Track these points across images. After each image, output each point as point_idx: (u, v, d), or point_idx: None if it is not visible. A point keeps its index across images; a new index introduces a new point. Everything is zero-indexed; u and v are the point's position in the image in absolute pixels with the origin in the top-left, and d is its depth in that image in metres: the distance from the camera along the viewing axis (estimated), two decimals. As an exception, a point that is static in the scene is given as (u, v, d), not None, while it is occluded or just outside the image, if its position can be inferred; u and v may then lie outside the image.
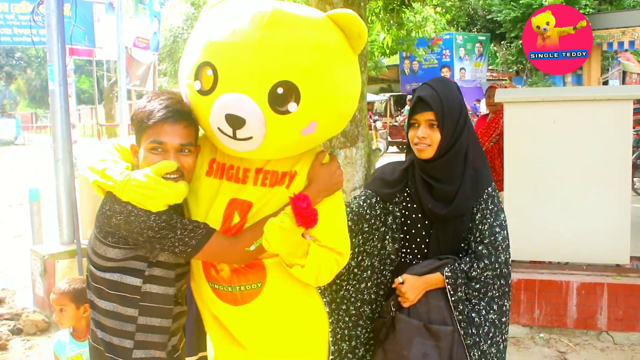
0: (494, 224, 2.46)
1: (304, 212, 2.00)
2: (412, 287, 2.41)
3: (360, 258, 2.60)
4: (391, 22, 13.77)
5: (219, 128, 2.00)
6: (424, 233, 2.51)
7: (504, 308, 2.50)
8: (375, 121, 22.77)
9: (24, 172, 18.75)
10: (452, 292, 2.40)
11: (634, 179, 11.61)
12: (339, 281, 2.63)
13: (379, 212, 2.58)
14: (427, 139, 2.42)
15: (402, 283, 2.43)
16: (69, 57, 15.11)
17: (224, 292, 2.20)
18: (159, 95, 2.15)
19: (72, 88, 15.70)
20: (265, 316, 2.22)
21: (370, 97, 24.92)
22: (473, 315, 2.43)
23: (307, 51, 1.97)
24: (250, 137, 1.99)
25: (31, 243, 6.27)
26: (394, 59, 26.04)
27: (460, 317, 2.40)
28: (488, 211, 2.47)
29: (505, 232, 2.49)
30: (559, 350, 4.85)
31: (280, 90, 1.94)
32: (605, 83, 24.11)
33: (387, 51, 19.26)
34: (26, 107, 55.52)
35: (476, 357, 2.40)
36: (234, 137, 1.99)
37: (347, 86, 2.11)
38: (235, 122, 1.95)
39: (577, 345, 4.93)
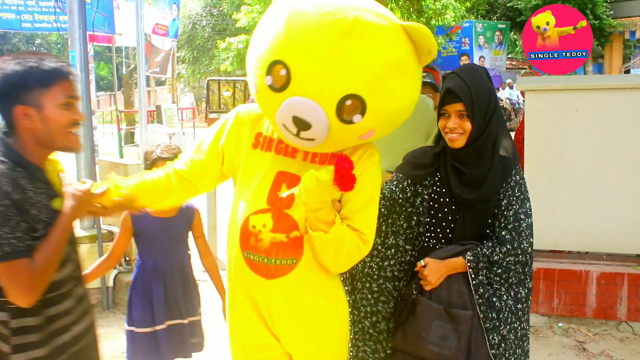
0: (520, 210, 2.48)
1: (345, 173, 2.03)
2: (434, 270, 2.45)
3: (385, 236, 2.65)
4: (411, 9, 13.75)
5: (284, 125, 2.12)
6: (450, 218, 2.54)
7: (520, 295, 2.52)
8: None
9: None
10: (473, 276, 2.43)
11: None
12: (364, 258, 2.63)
13: (409, 195, 2.63)
14: (458, 128, 2.45)
15: (425, 266, 2.46)
16: (90, 43, 15.20)
17: (258, 263, 2.26)
18: (18, 57, 2.14)
19: (91, 74, 15.80)
20: (294, 293, 2.29)
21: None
22: (494, 299, 2.45)
23: (380, 66, 2.03)
24: (313, 139, 2.12)
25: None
26: (413, 47, 25.94)
27: (481, 300, 2.43)
28: (514, 198, 2.49)
29: (529, 220, 2.50)
30: (578, 340, 4.84)
31: (348, 102, 2.04)
32: (627, 72, 23.87)
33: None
34: (46, 93, 55.84)
35: (496, 341, 2.43)
36: (297, 135, 2.11)
37: (409, 97, 2.19)
38: (302, 124, 2.07)
39: (596, 335, 4.92)
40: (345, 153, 2.21)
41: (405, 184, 2.63)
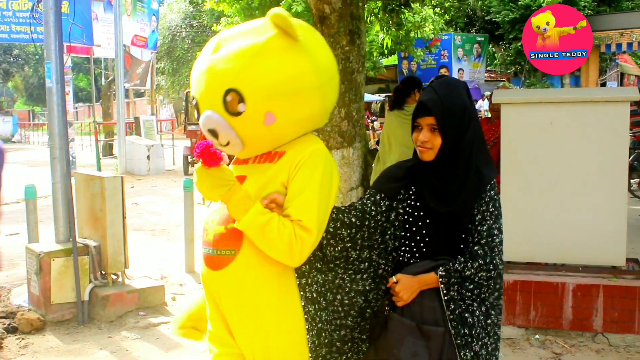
0: (493, 226, 2.47)
1: (204, 150, 2.30)
2: (406, 286, 2.43)
3: (361, 250, 2.62)
4: (390, 22, 13.78)
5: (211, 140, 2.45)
6: (424, 232, 2.53)
7: (491, 311, 2.50)
8: (372, 121, 22.73)
9: (20, 170, 18.72)
10: (445, 292, 2.41)
11: (631, 180, 11.63)
12: (336, 269, 2.62)
13: (384, 208, 2.61)
14: (428, 142, 2.46)
15: (396, 282, 2.45)
16: (67, 54, 15.10)
17: (207, 256, 2.50)
18: None
19: (69, 86, 15.70)
20: (236, 284, 2.45)
21: (368, 97, 24.90)
22: (466, 315, 2.43)
23: (238, 58, 2.40)
24: (228, 142, 2.45)
25: (27, 241, 6.25)
26: (392, 60, 26.04)
27: (452, 316, 2.41)
28: (488, 213, 2.47)
29: (502, 236, 2.50)
30: (554, 352, 4.85)
31: (229, 98, 2.38)
32: (603, 85, 24.11)
33: (386, 51, 19.27)
34: (23, 104, 55.39)
35: (468, 357, 2.41)
36: (221, 145, 2.46)
37: (284, 69, 2.41)
38: (212, 133, 2.44)
39: (572, 346, 4.93)
40: (283, 148, 2.50)
41: (379, 197, 2.61)
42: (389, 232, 2.60)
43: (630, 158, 11.36)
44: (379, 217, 2.60)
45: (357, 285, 2.61)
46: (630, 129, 12.41)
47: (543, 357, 4.78)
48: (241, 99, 2.36)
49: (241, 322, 2.48)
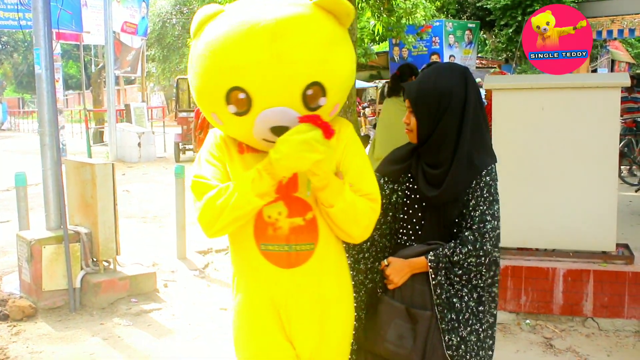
0: (486, 212, 2.46)
1: (319, 121, 2.14)
2: (396, 269, 2.46)
3: None
4: (381, 8, 13.76)
5: (264, 139, 2.23)
6: (419, 215, 2.55)
7: (483, 298, 2.50)
8: (364, 108, 22.71)
9: (10, 157, 18.64)
10: (433, 276, 2.42)
11: (622, 167, 11.69)
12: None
13: (387, 192, 2.63)
14: (410, 124, 2.54)
15: (388, 265, 2.48)
16: (56, 41, 14.98)
17: (278, 253, 2.29)
18: None
19: (59, 73, 15.59)
20: (313, 281, 2.34)
21: (360, 84, 24.85)
22: (455, 300, 2.44)
23: (317, 48, 2.17)
24: None
25: (17, 228, 6.24)
26: (384, 46, 25.99)
27: (439, 301, 2.42)
28: (482, 199, 2.46)
29: (495, 222, 2.48)
30: (545, 337, 4.89)
31: (310, 92, 2.17)
32: (594, 71, 24.16)
33: (377, 38, 19.24)
34: (13, 92, 55.11)
35: (454, 342, 2.42)
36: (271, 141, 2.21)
37: (350, 60, 2.33)
38: (281, 130, 2.16)
39: (562, 331, 4.96)
40: None
41: (382, 181, 2.64)
42: (390, 213, 2.63)
43: (621, 144, 11.40)
44: (383, 201, 2.57)
45: (359, 264, 2.65)
46: (621, 115, 12.46)
47: (533, 342, 4.81)
48: (323, 93, 2.20)
49: (309, 319, 2.36)
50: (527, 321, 5.11)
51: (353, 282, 2.60)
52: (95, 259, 5.77)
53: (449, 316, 2.42)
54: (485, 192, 2.47)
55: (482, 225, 2.44)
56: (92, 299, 5.60)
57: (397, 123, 5.92)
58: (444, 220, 2.51)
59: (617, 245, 5.32)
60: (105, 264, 5.84)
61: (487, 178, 2.50)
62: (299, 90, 2.14)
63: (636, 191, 10.56)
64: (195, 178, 2.31)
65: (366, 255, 2.66)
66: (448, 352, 2.41)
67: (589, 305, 5.04)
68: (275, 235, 2.28)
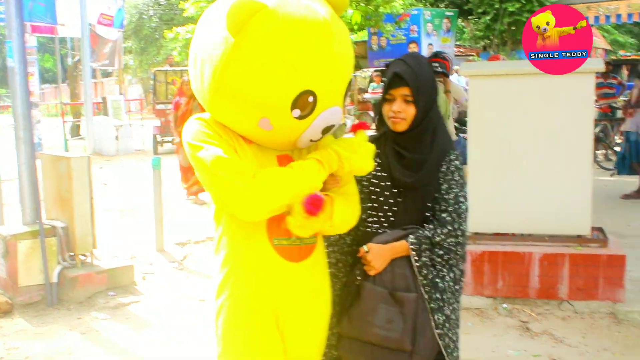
0: (459, 194, 2.54)
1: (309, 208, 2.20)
2: (377, 255, 2.48)
3: None
4: (358, -3, 13.78)
5: (311, 139, 2.29)
6: (391, 202, 2.59)
7: (457, 276, 2.59)
8: (343, 97, 22.67)
9: (-13, 152, 18.42)
10: (416, 258, 2.47)
11: (598, 152, 11.80)
12: None
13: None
14: (402, 113, 2.51)
15: (368, 252, 2.49)
16: (30, 34, 14.81)
17: (290, 247, 2.34)
18: None
19: (34, 66, 15.42)
20: (315, 275, 2.45)
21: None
22: (437, 280, 2.50)
23: (351, 46, 2.34)
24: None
25: (-7, 224, 6.19)
26: (362, 35, 25.96)
27: (425, 282, 2.48)
28: (454, 182, 2.54)
29: (467, 203, 2.56)
30: (522, 320, 4.94)
31: (345, 90, 2.33)
32: (571, 57, 24.29)
33: (355, 27, 19.20)
34: (-11, 87, 54.41)
35: (441, 321, 2.49)
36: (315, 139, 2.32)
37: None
38: (328, 129, 2.28)
39: (539, 314, 5.02)
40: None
41: None
42: None
43: (597, 129, 11.50)
44: None
45: (328, 257, 2.65)
46: (597, 101, 12.58)
47: (510, 326, 4.86)
48: (348, 88, 2.36)
49: (305, 312, 2.42)
50: (504, 305, 5.15)
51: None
52: (72, 253, 5.73)
53: (435, 296, 2.48)
54: (456, 175, 2.55)
55: (457, 206, 2.52)
56: (70, 294, 5.56)
57: None
58: (419, 204, 2.56)
59: (592, 229, 5.38)
60: (83, 257, 5.81)
61: (457, 162, 2.58)
62: (343, 89, 2.30)
63: (611, 175, 10.67)
64: (221, 154, 2.18)
65: (335, 249, 2.69)
66: (437, 330, 2.48)
67: (565, 289, 5.10)
68: (287, 230, 2.27)
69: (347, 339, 2.55)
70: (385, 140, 2.62)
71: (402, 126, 2.52)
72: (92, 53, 18.65)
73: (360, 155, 2.32)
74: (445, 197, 2.53)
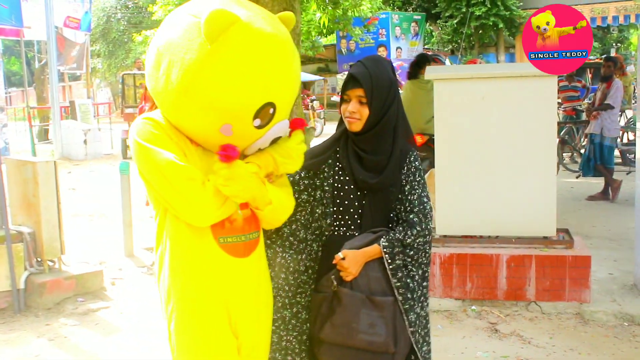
0: (422, 194, 2.63)
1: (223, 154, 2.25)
2: (353, 261, 2.52)
3: (294, 227, 2.71)
4: (327, 1, 13.79)
5: (259, 148, 2.39)
6: (356, 204, 2.63)
7: (426, 274, 2.67)
8: (312, 101, 22.75)
9: (-49, 157, 18.08)
10: (389, 261, 2.53)
11: (564, 154, 11.96)
12: (274, 247, 2.72)
13: (302, 187, 2.70)
14: (356, 113, 2.56)
15: (343, 258, 2.52)
16: (-5, 37, 14.62)
17: (235, 244, 2.41)
18: None
19: (-1, 70, 15.20)
20: (260, 268, 2.55)
21: (307, 76, 24.86)
22: (408, 281, 2.57)
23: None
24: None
25: (-42, 230, 6.07)
26: (331, 39, 26.05)
27: (399, 284, 2.54)
28: (416, 183, 2.63)
29: (430, 203, 2.66)
30: (490, 322, 4.99)
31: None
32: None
33: (324, 30, 19.28)
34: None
35: (413, 319, 2.57)
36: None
37: None
38: (275, 140, 2.40)
39: (507, 316, 5.08)
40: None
41: (298, 177, 2.70)
42: (317, 210, 2.69)
43: (562, 132, 11.67)
44: (304, 196, 2.70)
45: (298, 265, 2.71)
46: (562, 104, 12.76)
47: (479, 328, 4.92)
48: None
49: (253, 308, 2.50)
50: (473, 307, 5.21)
51: (293, 283, 2.71)
52: (39, 259, 5.67)
53: (407, 296, 2.55)
54: (417, 176, 2.64)
55: (422, 207, 2.61)
56: (37, 300, 5.50)
57: (416, 103, 6.82)
58: (384, 206, 2.63)
59: (558, 230, 5.47)
60: (50, 263, 5.75)
61: (417, 163, 2.67)
62: (292, 103, 2.46)
63: (577, 177, 10.83)
64: (173, 159, 2.23)
65: (303, 256, 2.72)
66: (410, 329, 2.57)
67: (532, 290, 5.17)
68: (232, 228, 2.38)
69: (328, 345, 2.57)
70: (346, 140, 2.67)
71: (357, 126, 2.57)
72: (59, 56, 18.43)
73: (294, 159, 2.47)
74: (410, 197, 2.61)
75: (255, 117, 2.27)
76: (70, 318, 5.32)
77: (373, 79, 2.54)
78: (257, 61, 2.22)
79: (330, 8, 13.81)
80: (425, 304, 2.67)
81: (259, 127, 2.31)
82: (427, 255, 2.65)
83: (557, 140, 8.37)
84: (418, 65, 7.25)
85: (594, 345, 4.60)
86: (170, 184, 2.23)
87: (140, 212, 8.09)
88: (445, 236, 5.43)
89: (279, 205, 2.48)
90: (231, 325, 2.44)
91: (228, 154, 2.22)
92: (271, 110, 2.30)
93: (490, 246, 5.39)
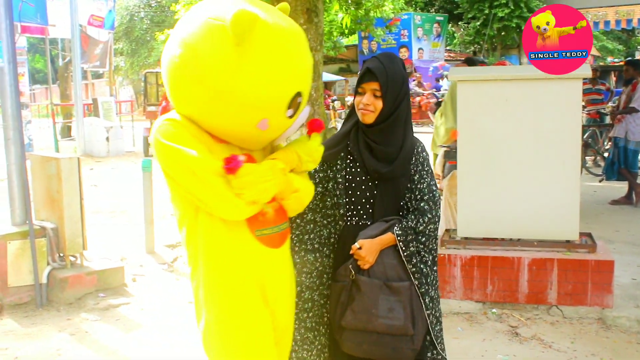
0: (431, 182, 2.79)
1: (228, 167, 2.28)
2: (369, 250, 2.66)
3: (303, 212, 2.82)
4: (349, 1, 13.78)
5: (288, 137, 2.58)
6: (368, 194, 2.77)
7: (436, 258, 2.84)
8: (333, 101, 22.75)
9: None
10: (404, 248, 2.68)
11: (587, 157, 11.86)
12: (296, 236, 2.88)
13: (317, 180, 2.82)
14: (370, 105, 2.68)
15: (360, 248, 2.65)
16: (20, 34, 14.76)
17: (271, 236, 2.54)
18: None
19: (24, 67, 15.37)
20: (290, 258, 2.71)
21: (329, 77, 24.87)
22: (422, 266, 2.74)
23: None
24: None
25: (-18, 224, 6.14)
26: (353, 39, 26.02)
27: (414, 269, 2.70)
28: (425, 172, 2.78)
29: (438, 191, 2.82)
30: (511, 325, 4.96)
31: None
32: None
33: (346, 31, 19.27)
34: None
35: (427, 302, 2.74)
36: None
37: None
38: (301, 127, 2.58)
39: (528, 319, 5.04)
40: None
41: (313, 170, 2.79)
42: (328, 199, 2.81)
43: (585, 135, 11.57)
44: (319, 189, 2.82)
45: (305, 245, 2.84)
46: (585, 107, 12.63)
47: (500, 331, 4.88)
48: None
49: (288, 291, 2.67)
50: (493, 310, 5.18)
51: (299, 262, 2.83)
52: (62, 254, 5.72)
53: (422, 280, 2.72)
54: (425, 165, 2.79)
55: (431, 194, 2.77)
56: (59, 295, 5.55)
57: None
58: (395, 195, 2.77)
59: (581, 234, 5.41)
60: (72, 259, 5.80)
61: (424, 154, 2.82)
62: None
63: (600, 181, 10.73)
64: (200, 157, 2.29)
65: (311, 236, 2.87)
66: (427, 311, 2.73)
67: (554, 294, 5.13)
68: (265, 221, 2.50)
69: (350, 331, 2.69)
70: (357, 133, 2.78)
71: (370, 118, 2.70)
72: (83, 54, 18.60)
73: (314, 159, 2.63)
74: (420, 186, 2.76)
75: (288, 107, 2.40)
76: (91, 313, 5.36)
77: (388, 74, 2.66)
78: (284, 54, 2.33)
79: (352, 8, 13.80)
80: (436, 286, 2.83)
81: (291, 116, 2.45)
82: (436, 240, 2.82)
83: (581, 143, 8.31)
84: (468, 65, 7.35)
85: (616, 351, 4.54)
86: (200, 180, 2.28)
87: (161, 210, 8.13)
88: (466, 238, 5.40)
89: (304, 191, 2.61)
90: (268, 304, 2.58)
91: (231, 166, 2.27)
92: (299, 99, 2.44)
93: (511, 249, 5.35)
